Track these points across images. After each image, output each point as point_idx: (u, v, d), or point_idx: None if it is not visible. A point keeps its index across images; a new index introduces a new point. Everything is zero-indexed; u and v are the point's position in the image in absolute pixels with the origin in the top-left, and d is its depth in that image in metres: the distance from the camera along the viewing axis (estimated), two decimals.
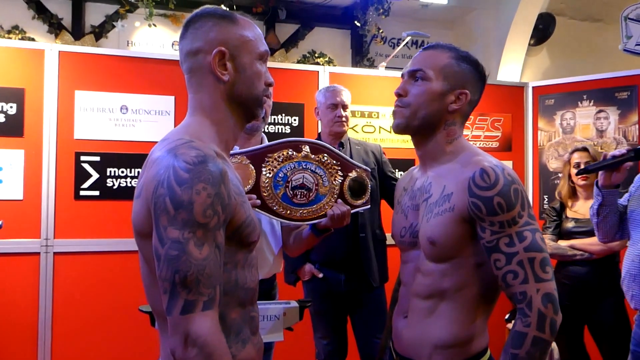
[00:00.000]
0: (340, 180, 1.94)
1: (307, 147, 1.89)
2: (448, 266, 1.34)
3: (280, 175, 1.84)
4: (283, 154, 1.85)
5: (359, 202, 1.99)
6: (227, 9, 1.26)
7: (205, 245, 1.00)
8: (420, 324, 1.39)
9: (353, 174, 1.97)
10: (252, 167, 1.82)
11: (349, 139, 2.93)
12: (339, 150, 2.76)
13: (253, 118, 1.27)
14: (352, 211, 1.95)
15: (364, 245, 2.78)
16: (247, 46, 1.20)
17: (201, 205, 1.00)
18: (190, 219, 0.99)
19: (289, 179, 1.85)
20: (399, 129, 1.43)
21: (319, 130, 2.98)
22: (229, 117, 1.21)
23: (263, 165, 1.83)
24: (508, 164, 4.17)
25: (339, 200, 1.93)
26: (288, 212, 1.87)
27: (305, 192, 1.88)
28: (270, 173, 1.83)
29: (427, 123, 1.40)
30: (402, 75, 1.46)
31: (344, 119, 2.83)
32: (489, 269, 1.30)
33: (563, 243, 3.04)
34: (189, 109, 1.23)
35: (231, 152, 1.54)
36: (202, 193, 1.01)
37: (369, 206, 2.03)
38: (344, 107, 2.84)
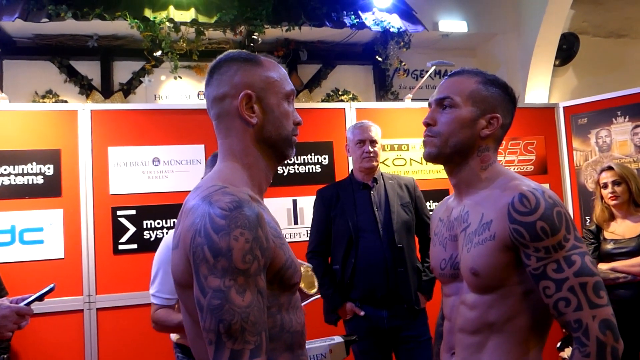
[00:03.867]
0: None
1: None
2: (494, 297, 1.28)
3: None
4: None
5: (313, 291, 2.06)
6: (251, 52, 1.26)
7: (248, 292, 0.98)
8: None
9: (302, 270, 2.05)
10: (313, 275, 1.98)
11: (382, 174, 2.92)
12: (373, 185, 2.82)
13: (284, 158, 1.25)
14: (306, 302, 2.01)
15: (404, 279, 2.73)
16: (273, 87, 1.20)
17: (240, 251, 0.99)
18: (230, 266, 0.98)
19: None
20: (430, 158, 1.40)
21: (351, 168, 2.97)
22: (260, 160, 1.20)
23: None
24: (545, 187, 4.07)
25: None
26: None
27: None
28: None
29: (459, 151, 1.36)
30: (429, 104, 1.43)
31: (372, 154, 2.82)
32: (539, 296, 1.24)
33: (603, 266, 2.92)
34: (220, 154, 1.22)
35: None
36: (240, 239, 0.99)
37: (318, 295, 2.13)
38: (373, 142, 2.83)
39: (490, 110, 1.37)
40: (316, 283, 2.13)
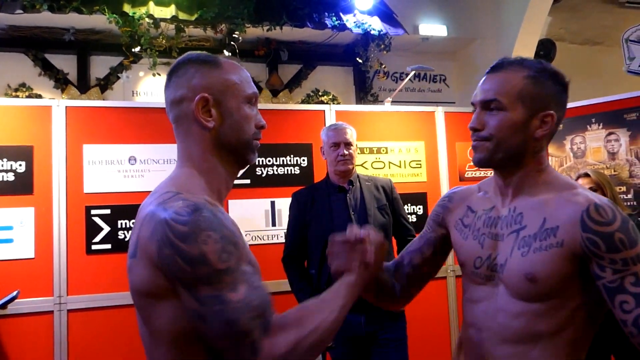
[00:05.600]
0: None
1: None
2: (543, 306, 1.20)
3: None
4: None
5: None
6: (211, 54, 1.22)
7: (239, 285, 0.99)
8: None
9: None
10: None
11: (358, 176, 2.89)
12: (349, 188, 2.78)
13: (246, 163, 1.22)
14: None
15: None
16: (232, 90, 1.15)
17: (213, 253, 0.97)
18: (210, 271, 0.97)
19: None
20: (481, 163, 1.29)
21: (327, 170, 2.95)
22: (218, 166, 1.16)
23: None
24: None
25: None
26: None
27: None
28: None
29: (512, 155, 1.26)
30: (473, 105, 1.31)
31: (347, 157, 2.77)
32: (590, 311, 1.20)
33: None
34: (178, 159, 1.19)
35: None
36: (209, 241, 0.98)
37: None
38: (347, 145, 2.78)
39: (542, 108, 1.24)
40: None
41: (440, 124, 3.97)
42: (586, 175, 3.04)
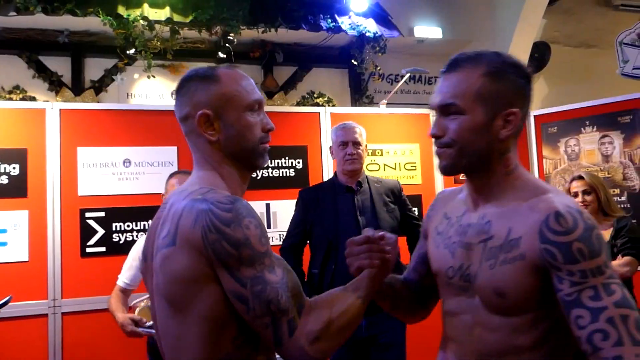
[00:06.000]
0: None
1: None
2: (520, 320, 1.13)
3: None
4: None
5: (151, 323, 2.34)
6: (212, 68, 1.25)
7: (276, 267, 1.10)
8: None
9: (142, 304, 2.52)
10: None
11: (367, 178, 2.85)
12: (357, 189, 2.76)
13: (255, 168, 1.28)
14: (145, 332, 2.41)
15: None
16: (231, 102, 1.20)
17: (255, 237, 1.07)
18: (254, 253, 1.06)
19: None
20: (447, 171, 1.22)
21: (335, 170, 2.90)
22: (231, 171, 1.23)
23: None
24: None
25: None
26: None
27: None
28: None
29: (478, 159, 1.18)
30: (433, 109, 1.24)
31: (355, 156, 2.74)
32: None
33: None
34: (195, 164, 1.25)
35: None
36: (251, 226, 1.07)
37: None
38: (356, 144, 2.75)
39: (505, 106, 1.16)
40: None
41: None
42: (580, 177, 3.05)
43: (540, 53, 6.22)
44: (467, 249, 1.22)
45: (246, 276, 1.06)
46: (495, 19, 5.95)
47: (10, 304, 2.88)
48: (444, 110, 1.19)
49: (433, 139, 1.22)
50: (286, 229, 2.90)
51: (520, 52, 5.79)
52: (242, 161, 1.23)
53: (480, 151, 1.17)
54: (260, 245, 1.07)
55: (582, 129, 3.98)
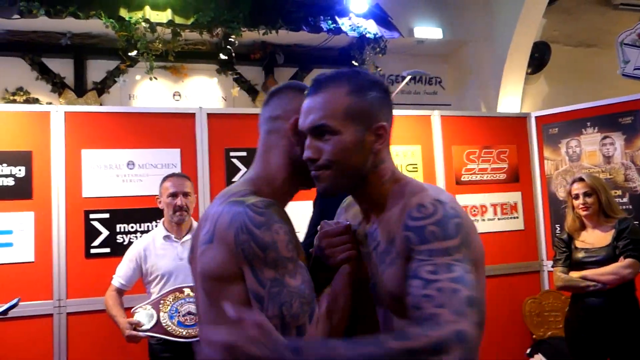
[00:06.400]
0: None
1: (188, 289, 2.71)
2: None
3: (173, 309, 2.68)
4: (172, 296, 2.71)
5: (146, 327, 2.67)
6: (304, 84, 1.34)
7: (298, 274, 1.12)
8: None
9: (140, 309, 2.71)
10: (153, 310, 2.69)
11: None
12: None
13: (311, 185, 1.28)
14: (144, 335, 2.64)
15: None
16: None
17: (283, 242, 1.11)
18: (278, 256, 1.10)
19: (179, 310, 2.68)
20: (327, 193, 1.21)
21: None
22: (287, 179, 1.28)
23: (160, 306, 2.69)
24: (517, 195, 4.15)
25: None
26: (184, 332, 2.67)
27: (193, 317, 2.65)
28: (165, 309, 2.68)
29: (357, 177, 1.19)
30: (303, 131, 1.21)
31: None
32: None
33: (575, 274, 2.99)
34: (256, 163, 1.31)
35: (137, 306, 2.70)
36: (280, 232, 1.12)
37: (150, 333, 2.68)
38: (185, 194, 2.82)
39: (374, 121, 1.18)
40: (153, 321, 2.69)
41: (437, 128, 4.01)
42: (581, 179, 3.06)
43: (540, 52, 6.23)
44: (367, 260, 1.23)
45: (267, 277, 1.10)
46: (495, 19, 5.97)
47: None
48: (315, 132, 1.18)
49: (308, 162, 1.20)
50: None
51: (520, 52, 5.82)
52: (304, 174, 1.23)
53: (358, 168, 1.18)
54: (287, 251, 1.11)
55: (583, 129, 4.00)
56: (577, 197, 3.03)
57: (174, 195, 2.79)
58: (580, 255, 3.01)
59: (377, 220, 1.22)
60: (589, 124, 3.98)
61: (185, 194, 2.81)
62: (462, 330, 0.95)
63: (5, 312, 1.82)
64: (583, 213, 3.02)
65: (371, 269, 1.22)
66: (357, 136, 1.17)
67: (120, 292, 2.79)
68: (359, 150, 1.17)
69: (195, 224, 2.93)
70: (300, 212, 3.30)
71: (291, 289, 1.10)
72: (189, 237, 2.81)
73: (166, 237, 2.84)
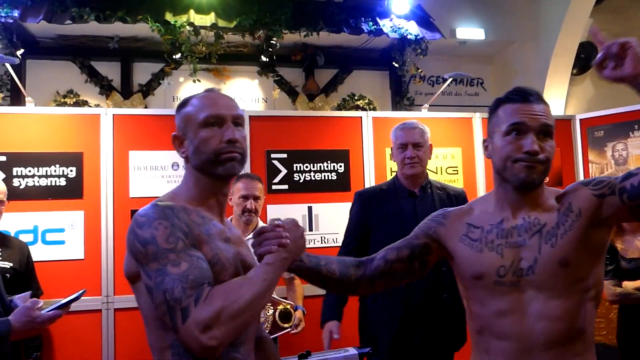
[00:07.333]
0: (272, 311, 2.82)
1: None
2: (575, 302, 1.34)
3: None
4: None
5: (287, 325, 2.82)
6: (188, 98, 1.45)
7: (183, 262, 1.19)
8: None
9: (281, 307, 2.85)
10: (292, 312, 2.84)
11: (430, 183, 2.64)
12: (420, 194, 2.59)
13: (219, 177, 1.38)
14: (280, 333, 2.75)
15: (446, 306, 2.49)
16: (189, 122, 1.39)
17: (162, 235, 1.20)
18: (158, 249, 1.19)
19: None
20: (535, 185, 1.39)
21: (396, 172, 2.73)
22: (201, 181, 1.38)
23: None
24: None
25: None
26: None
27: None
28: None
29: (546, 175, 1.44)
30: (525, 128, 1.39)
31: (416, 159, 2.53)
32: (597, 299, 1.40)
33: (630, 285, 2.84)
34: None
35: None
36: (159, 227, 1.21)
37: (294, 330, 2.83)
38: (416, 145, 2.55)
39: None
40: (292, 319, 2.81)
41: (478, 130, 3.97)
42: None
43: (586, 53, 6.08)
44: (516, 247, 1.39)
45: (152, 269, 1.19)
46: (539, 19, 5.86)
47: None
48: (543, 130, 1.39)
49: (526, 156, 1.37)
50: (327, 232, 2.89)
51: (566, 53, 5.69)
52: (205, 172, 1.37)
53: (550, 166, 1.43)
54: (166, 243, 1.19)
55: (631, 132, 3.90)
56: None
57: (245, 197, 2.90)
58: (630, 265, 2.86)
59: (531, 213, 1.41)
60: (636, 127, 3.87)
61: (256, 198, 2.91)
62: None
63: (72, 301, 1.95)
64: None
65: (516, 255, 1.39)
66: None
67: None
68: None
69: (262, 223, 3.04)
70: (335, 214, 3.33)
71: (173, 275, 1.16)
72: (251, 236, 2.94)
73: None
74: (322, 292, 3.04)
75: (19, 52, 4.69)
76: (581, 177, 4.12)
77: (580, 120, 4.15)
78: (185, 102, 1.43)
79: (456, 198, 2.61)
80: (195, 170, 1.38)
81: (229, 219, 3.04)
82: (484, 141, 1.52)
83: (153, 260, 1.19)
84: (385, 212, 2.56)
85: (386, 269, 1.57)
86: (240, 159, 1.38)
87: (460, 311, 2.42)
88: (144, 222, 1.23)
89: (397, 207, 2.56)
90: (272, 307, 2.84)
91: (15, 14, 4.51)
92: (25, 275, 2.82)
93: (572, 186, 1.43)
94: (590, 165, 4.09)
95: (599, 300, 1.42)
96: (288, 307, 2.85)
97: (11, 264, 2.74)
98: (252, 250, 1.38)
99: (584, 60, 6.04)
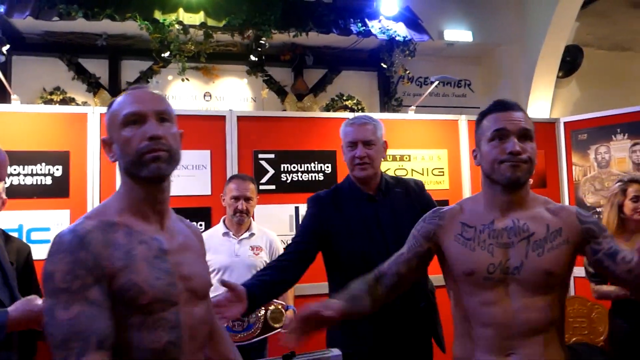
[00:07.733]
0: (263, 312, 2.76)
1: None
2: (553, 297, 1.51)
3: None
4: None
5: (278, 325, 2.77)
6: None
7: (74, 306, 1.11)
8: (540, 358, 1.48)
9: (272, 307, 2.79)
10: (283, 312, 2.79)
11: (387, 182, 2.32)
12: (381, 198, 2.30)
13: (145, 179, 1.26)
14: (271, 333, 2.72)
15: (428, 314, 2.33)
16: (112, 122, 1.29)
17: (60, 272, 1.13)
18: (53, 287, 1.13)
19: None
20: (520, 183, 1.53)
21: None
22: (133, 188, 1.28)
23: None
24: None
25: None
26: (236, 337, 2.64)
27: (241, 322, 2.69)
28: None
29: (531, 175, 1.56)
30: (507, 132, 1.53)
31: (366, 159, 2.20)
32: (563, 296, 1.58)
33: (606, 288, 2.90)
34: None
35: None
36: (59, 263, 1.13)
37: (285, 331, 2.60)
38: (367, 143, 2.21)
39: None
40: (283, 319, 2.77)
41: (464, 132, 4.01)
42: (636, 181, 2.88)
43: (572, 56, 6.15)
44: (505, 248, 1.53)
45: (47, 304, 1.14)
46: (526, 22, 5.92)
47: None
48: (523, 134, 1.53)
49: (509, 156, 1.51)
50: None
51: (552, 56, 5.75)
52: (131, 175, 1.27)
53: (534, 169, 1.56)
54: (63, 282, 1.12)
55: (613, 136, 3.96)
56: (636, 199, 2.82)
57: (236, 198, 2.95)
58: None
59: (520, 217, 1.54)
60: (619, 130, 3.93)
61: (247, 199, 2.96)
62: None
63: None
64: (638, 217, 2.83)
65: (504, 255, 1.52)
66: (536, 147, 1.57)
67: None
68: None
69: (254, 223, 3.11)
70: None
71: (59, 321, 1.10)
72: (246, 234, 3.02)
73: (225, 234, 3.02)
74: (314, 292, 3.07)
75: (5, 48, 4.65)
76: (565, 179, 4.18)
77: (565, 123, 4.21)
78: (112, 102, 1.32)
79: (417, 187, 2.38)
80: (125, 176, 1.29)
81: (222, 218, 3.05)
82: (474, 151, 1.64)
83: (48, 296, 1.13)
84: (345, 217, 2.25)
85: (399, 283, 1.69)
86: (167, 157, 1.25)
87: (436, 321, 2.38)
88: (53, 251, 1.16)
89: (357, 212, 2.25)
90: (263, 307, 2.78)
91: (1, 9, 4.47)
92: (24, 275, 2.79)
93: (567, 211, 1.56)
94: (573, 167, 4.15)
95: (568, 288, 1.65)
96: (279, 307, 2.85)
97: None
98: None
99: (570, 63, 6.12)
